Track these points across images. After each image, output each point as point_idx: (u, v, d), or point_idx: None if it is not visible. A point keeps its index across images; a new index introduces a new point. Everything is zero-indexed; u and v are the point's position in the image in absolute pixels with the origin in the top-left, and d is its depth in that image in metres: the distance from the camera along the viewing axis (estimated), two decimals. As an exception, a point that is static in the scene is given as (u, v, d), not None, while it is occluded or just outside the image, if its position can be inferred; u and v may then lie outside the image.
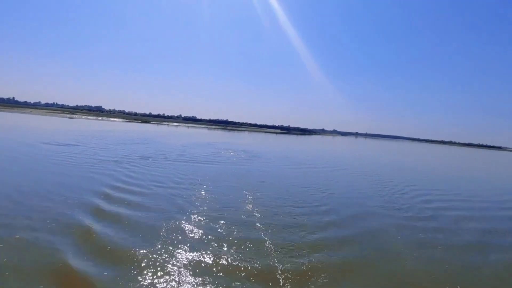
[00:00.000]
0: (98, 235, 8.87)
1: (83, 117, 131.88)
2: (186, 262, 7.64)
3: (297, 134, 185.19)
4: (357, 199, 16.71)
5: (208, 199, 13.71)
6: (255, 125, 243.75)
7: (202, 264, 7.63)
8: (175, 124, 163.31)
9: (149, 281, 6.68)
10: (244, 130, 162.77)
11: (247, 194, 15.19)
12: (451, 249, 10.29)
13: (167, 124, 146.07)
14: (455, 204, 17.61)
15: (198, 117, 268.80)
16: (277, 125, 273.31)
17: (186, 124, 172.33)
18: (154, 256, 7.81)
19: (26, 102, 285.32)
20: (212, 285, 6.76)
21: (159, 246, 8.40)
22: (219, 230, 10.00)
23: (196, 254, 8.11)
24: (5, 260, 7.07)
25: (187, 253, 8.12)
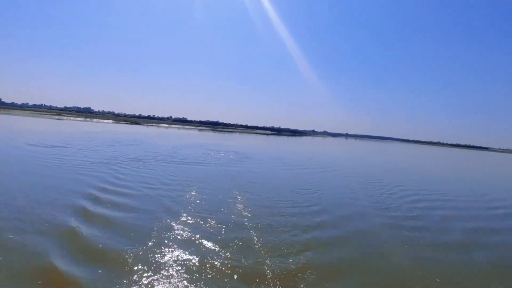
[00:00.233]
0: (85, 236, 8.76)
1: (71, 118, 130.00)
2: (175, 263, 7.59)
3: (288, 135, 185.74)
4: (347, 199, 16.86)
5: (198, 200, 13.66)
6: (246, 127, 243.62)
7: (191, 265, 7.59)
8: (166, 125, 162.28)
9: (137, 282, 6.62)
10: (235, 132, 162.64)
11: (237, 195, 15.18)
12: (438, 248, 10.45)
13: (157, 126, 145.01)
14: (442, 203, 17.89)
15: (189, 118, 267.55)
16: (268, 126, 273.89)
17: (177, 126, 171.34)
18: (142, 257, 7.74)
19: (13, 103, 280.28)
20: (201, 286, 6.73)
21: (147, 247, 8.33)
22: (208, 230, 9.97)
23: (185, 255, 8.07)
24: (-11, 262, 6.93)
25: (176, 254, 8.07)
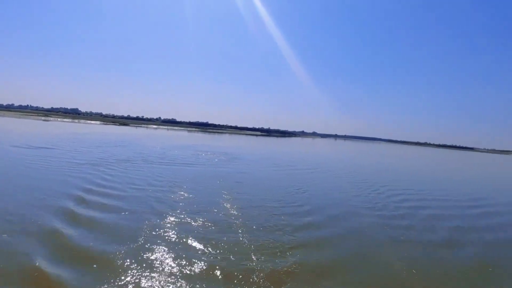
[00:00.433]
0: (71, 237, 8.67)
1: (58, 119, 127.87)
2: (162, 264, 7.58)
3: (277, 136, 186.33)
4: (336, 199, 17.04)
5: (186, 200, 13.63)
6: (236, 128, 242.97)
7: (178, 265, 7.59)
8: (154, 126, 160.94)
9: (123, 283, 6.60)
10: (225, 133, 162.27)
11: (226, 195, 15.19)
12: (424, 246, 10.68)
13: (146, 127, 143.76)
14: (428, 203, 18.23)
15: (178, 119, 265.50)
16: (257, 127, 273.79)
17: (166, 127, 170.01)
18: (128, 258, 7.70)
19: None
20: (189, 286, 6.74)
21: (133, 248, 8.29)
22: (196, 231, 9.97)
23: (172, 255, 8.06)
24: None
25: (163, 255, 8.06)
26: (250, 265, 7.95)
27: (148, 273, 7.07)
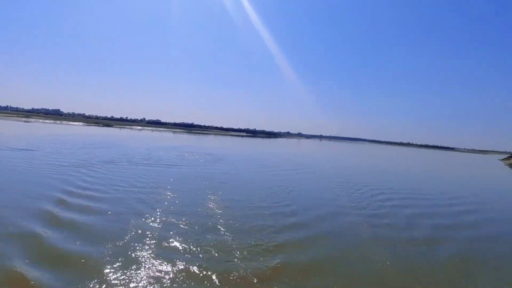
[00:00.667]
0: (51, 240, 8.50)
1: (40, 120, 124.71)
2: (145, 266, 7.51)
3: (263, 137, 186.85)
4: (321, 200, 17.25)
5: (171, 201, 13.55)
6: (221, 129, 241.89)
7: (161, 266, 7.54)
8: (139, 127, 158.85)
9: (104, 285, 6.51)
10: (210, 134, 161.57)
11: (210, 196, 15.19)
12: (405, 243, 10.96)
13: (131, 128, 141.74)
14: (409, 202, 18.69)
15: (163, 120, 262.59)
16: (243, 128, 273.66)
17: (150, 128, 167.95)
18: (110, 260, 7.61)
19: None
20: (171, 287, 6.73)
21: (116, 250, 8.19)
22: (180, 231, 9.92)
23: (155, 256, 8.01)
24: None
25: (145, 257, 7.98)
26: (233, 264, 7.97)
27: (130, 274, 7.00)
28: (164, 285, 6.76)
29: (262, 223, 11.54)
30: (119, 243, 8.71)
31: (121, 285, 6.61)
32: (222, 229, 10.53)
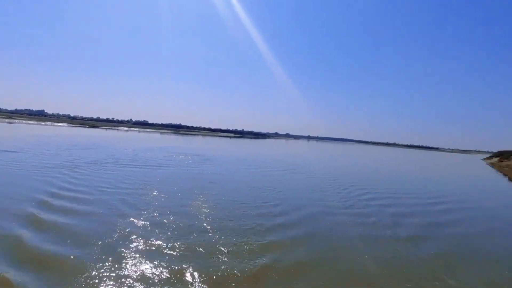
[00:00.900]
0: (34, 243, 8.38)
1: (23, 121, 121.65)
2: (130, 269, 7.47)
3: (251, 138, 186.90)
4: (308, 199, 17.37)
5: (158, 202, 13.47)
6: (209, 129, 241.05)
7: (147, 267, 7.52)
8: (126, 128, 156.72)
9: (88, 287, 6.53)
10: (198, 134, 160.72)
11: (198, 196, 15.18)
12: (391, 241, 11.19)
13: (117, 129, 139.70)
14: (394, 201, 19.05)
15: (150, 121, 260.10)
16: (231, 129, 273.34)
17: (137, 129, 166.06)
18: (95, 262, 7.56)
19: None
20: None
21: (101, 251, 8.14)
22: (166, 232, 9.90)
23: (141, 257, 7.98)
24: None
25: (131, 259, 7.94)
26: (220, 264, 7.99)
27: (115, 276, 6.97)
28: (149, 286, 6.74)
29: (250, 223, 11.60)
30: (104, 244, 8.64)
31: (106, 286, 6.57)
32: (209, 228, 10.55)
